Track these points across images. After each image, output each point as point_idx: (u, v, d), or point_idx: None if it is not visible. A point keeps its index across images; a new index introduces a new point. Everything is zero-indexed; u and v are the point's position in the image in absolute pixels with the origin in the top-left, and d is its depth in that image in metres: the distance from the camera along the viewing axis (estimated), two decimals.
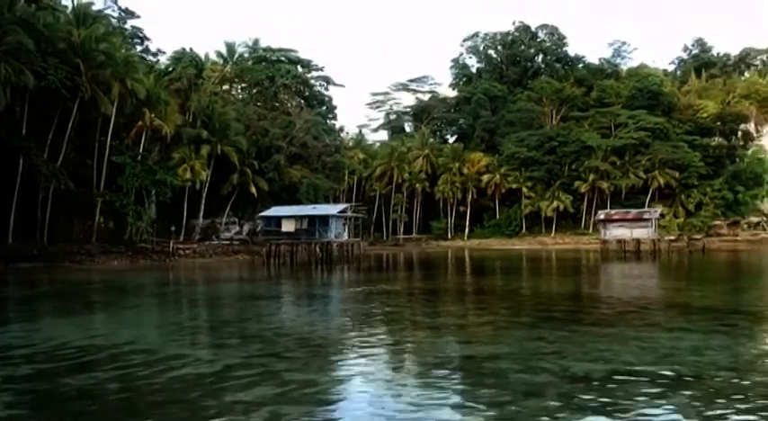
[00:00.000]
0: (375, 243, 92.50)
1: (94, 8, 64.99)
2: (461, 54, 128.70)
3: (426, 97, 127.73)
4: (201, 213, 71.23)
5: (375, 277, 42.63)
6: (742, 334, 16.95)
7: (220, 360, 14.12)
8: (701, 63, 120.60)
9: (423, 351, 15.38)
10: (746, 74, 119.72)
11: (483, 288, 34.01)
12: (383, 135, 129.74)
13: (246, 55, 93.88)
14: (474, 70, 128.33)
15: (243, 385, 11.74)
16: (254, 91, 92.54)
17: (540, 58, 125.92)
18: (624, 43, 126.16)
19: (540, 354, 13.97)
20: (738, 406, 10.05)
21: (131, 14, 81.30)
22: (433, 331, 18.36)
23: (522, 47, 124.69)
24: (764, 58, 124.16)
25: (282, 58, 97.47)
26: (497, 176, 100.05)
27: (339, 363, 14.31)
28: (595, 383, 11.58)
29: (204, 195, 69.87)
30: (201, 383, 12.12)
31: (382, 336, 17.80)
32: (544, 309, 23.45)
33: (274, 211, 63.61)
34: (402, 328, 19.19)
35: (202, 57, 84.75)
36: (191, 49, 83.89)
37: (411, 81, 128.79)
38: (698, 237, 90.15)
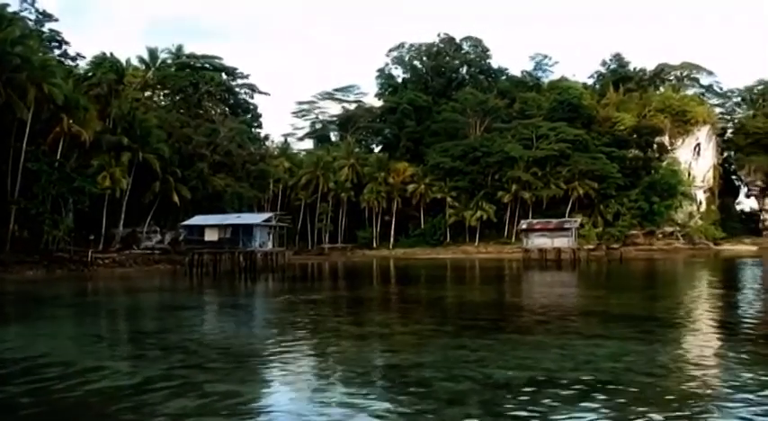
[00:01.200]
0: (300, 252, 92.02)
1: (10, 10, 62.87)
2: (387, 64, 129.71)
3: (352, 107, 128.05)
4: (122, 222, 69.53)
5: (300, 286, 42.39)
6: (657, 340, 17.44)
7: (140, 372, 13.80)
8: (618, 77, 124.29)
9: (347, 360, 15.35)
10: (661, 88, 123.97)
11: (408, 297, 34.19)
12: (309, 144, 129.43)
13: (169, 61, 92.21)
14: (400, 80, 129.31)
15: (163, 397, 11.50)
16: (178, 98, 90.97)
17: (464, 69, 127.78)
18: (546, 57, 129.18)
19: (464, 363, 14.11)
20: (654, 410, 10.34)
21: (49, 17, 78.76)
22: (357, 340, 18.36)
23: (447, 58, 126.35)
24: (678, 73, 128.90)
25: (207, 65, 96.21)
26: (422, 186, 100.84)
27: (262, 374, 14.17)
28: (517, 390, 11.76)
29: (125, 203, 68.21)
30: (120, 396, 11.82)
31: (306, 346, 17.70)
32: (468, 317, 23.72)
33: (197, 220, 62.61)
34: (326, 338, 19.11)
35: (123, 62, 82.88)
36: (111, 53, 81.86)
37: (337, 90, 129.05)
38: (615, 246, 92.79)
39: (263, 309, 29.34)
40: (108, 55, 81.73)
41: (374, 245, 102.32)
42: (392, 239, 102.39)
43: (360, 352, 16.45)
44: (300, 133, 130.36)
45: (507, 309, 27.76)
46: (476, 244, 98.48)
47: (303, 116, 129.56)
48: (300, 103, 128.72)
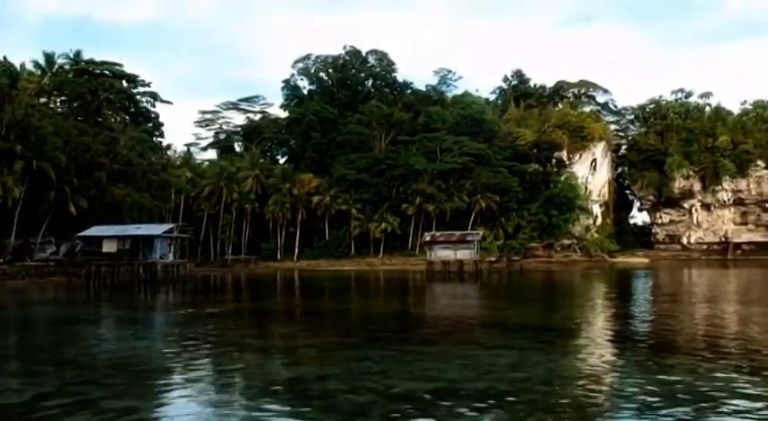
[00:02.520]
0: (202, 264, 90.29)
1: None
2: (293, 75, 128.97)
3: (257, 117, 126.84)
4: (14, 232, 66.60)
5: (202, 299, 41.61)
6: (555, 350, 17.92)
7: (31, 389, 13.22)
8: (519, 93, 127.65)
9: (249, 374, 15.15)
10: (560, 105, 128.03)
11: (312, 309, 34.00)
12: (212, 154, 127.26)
13: (67, 67, 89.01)
14: (305, 92, 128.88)
15: (55, 415, 11.07)
16: (75, 105, 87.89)
17: (370, 82, 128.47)
18: (450, 72, 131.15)
19: (367, 374, 14.13)
20: (550, 418, 10.60)
21: None
22: (260, 353, 18.14)
23: (353, 71, 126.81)
24: (576, 91, 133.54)
25: (106, 72, 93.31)
26: (327, 198, 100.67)
27: (161, 389, 13.81)
28: (419, 401, 11.85)
29: (17, 213, 65.39)
30: (9, 416, 11.30)
31: (207, 360, 17.37)
32: (371, 329, 23.79)
33: (95, 231, 60.68)
34: (228, 351, 18.77)
35: (17, 66, 79.67)
36: (4, 57, 78.58)
37: (242, 100, 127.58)
38: (516, 258, 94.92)
39: (162, 323, 28.64)
40: (0, 59, 78.48)
41: (278, 256, 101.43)
42: (297, 251, 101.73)
43: (262, 365, 16.26)
44: (204, 143, 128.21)
45: (411, 320, 27.97)
46: (380, 256, 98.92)
47: (206, 126, 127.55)
48: (204, 112, 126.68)
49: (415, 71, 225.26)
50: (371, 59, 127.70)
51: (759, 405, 11.12)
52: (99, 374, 14.99)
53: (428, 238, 76.75)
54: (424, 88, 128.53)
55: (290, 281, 64.42)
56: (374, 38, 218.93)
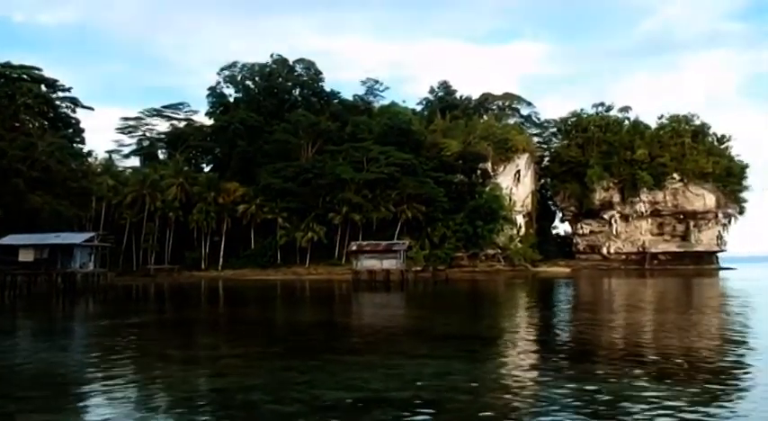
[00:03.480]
0: (124, 273, 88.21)
1: None
2: (219, 83, 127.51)
3: (182, 124, 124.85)
4: None
5: (123, 309, 40.67)
6: (479, 358, 18.18)
7: None
8: (445, 105, 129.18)
9: (172, 385, 14.90)
10: (485, 117, 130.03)
11: (236, 319, 33.63)
12: (135, 161, 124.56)
13: None
14: (231, 100, 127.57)
15: None
16: None
17: (297, 91, 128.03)
18: (377, 82, 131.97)
19: (292, 385, 14.09)
20: None
21: None
22: (183, 364, 17.88)
23: (280, 79, 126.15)
24: (500, 103, 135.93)
25: (24, 76, 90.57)
26: (253, 207, 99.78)
27: (81, 402, 13.47)
28: (344, 411, 11.88)
29: None
30: None
31: (129, 371, 17.01)
32: (297, 339, 23.69)
33: (10, 240, 58.74)
34: (150, 362, 18.41)
35: None
36: None
37: (166, 107, 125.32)
38: (442, 267, 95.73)
39: (82, 333, 27.90)
40: None
41: (203, 266, 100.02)
42: (221, 260, 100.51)
43: (186, 376, 16.02)
44: (126, 150, 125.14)
45: (336, 330, 27.95)
46: (306, 265, 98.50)
47: (129, 133, 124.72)
48: (126, 119, 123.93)
49: (342, 81, 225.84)
50: (299, 68, 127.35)
51: (673, 409, 11.52)
52: (15, 387, 14.54)
53: (354, 248, 76.89)
54: (351, 98, 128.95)
55: (214, 290, 63.57)
56: (302, 47, 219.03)
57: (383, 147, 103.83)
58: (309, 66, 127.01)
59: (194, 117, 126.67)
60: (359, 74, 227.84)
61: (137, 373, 16.82)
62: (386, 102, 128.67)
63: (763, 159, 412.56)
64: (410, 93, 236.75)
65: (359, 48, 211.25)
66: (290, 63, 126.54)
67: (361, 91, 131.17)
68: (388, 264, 72.57)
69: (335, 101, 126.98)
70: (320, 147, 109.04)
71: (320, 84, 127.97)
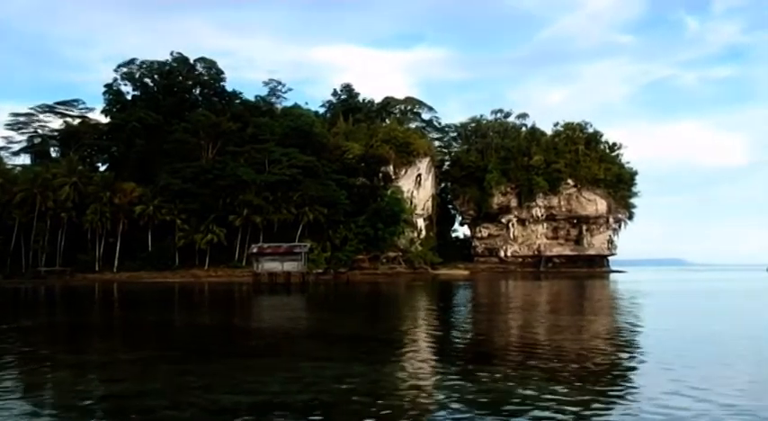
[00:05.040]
0: (12, 276, 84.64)
1: None
2: (116, 80, 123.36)
3: (76, 122, 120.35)
4: None
5: (10, 312, 39.00)
6: (379, 360, 18.26)
7: None
8: (348, 108, 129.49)
9: (62, 391, 14.37)
10: (387, 121, 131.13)
11: (132, 323, 32.74)
12: (25, 159, 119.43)
13: None
14: (129, 98, 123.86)
15: None
16: None
17: (197, 90, 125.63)
18: (280, 83, 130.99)
19: (189, 389, 13.84)
20: None
21: None
22: (75, 369, 17.25)
23: (180, 78, 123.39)
24: (402, 107, 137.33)
25: None
26: (151, 207, 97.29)
27: None
28: (242, 415, 11.75)
29: None
30: None
31: (15, 378, 16.27)
32: (194, 342, 23.27)
33: None
34: (39, 368, 17.63)
35: None
36: None
37: (59, 104, 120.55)
38: (343, 270, 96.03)
39: None
40: None
41: (97, 268, 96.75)
42: (117, 263, 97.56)
43: (77, 382, 15.45)
44: (16, 147, 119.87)
45: (235, 333, 27.59)
46: (206, 267, 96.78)
47: (19, 129, 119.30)
48: (16, 114, 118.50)
49: (244, 81, 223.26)
50: (200, 67, 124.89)
51: (567, 407, 11.89)
52: None
53: (255, 250, 76.24)
54: (253, 99, 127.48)
55: (109, 293, 61.67)
56: (203, 46, 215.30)
57: (285, 148, 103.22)
58: (211, 65, 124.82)
59: (90, 115, 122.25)
60: (261, 75, 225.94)
61: (24, 379, 16.11)
62: (288, 103, 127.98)
63: (651, 166, 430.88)
64: (313, 95, 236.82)
65: (262, 48, 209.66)
66: (191, 62, 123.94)
67: (263, 92, 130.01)
68: (289, 266, 72.32)
69: (237, 101, 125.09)
70: (221, 147, 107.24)
71: (222, 83, 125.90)
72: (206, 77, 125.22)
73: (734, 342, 21.53)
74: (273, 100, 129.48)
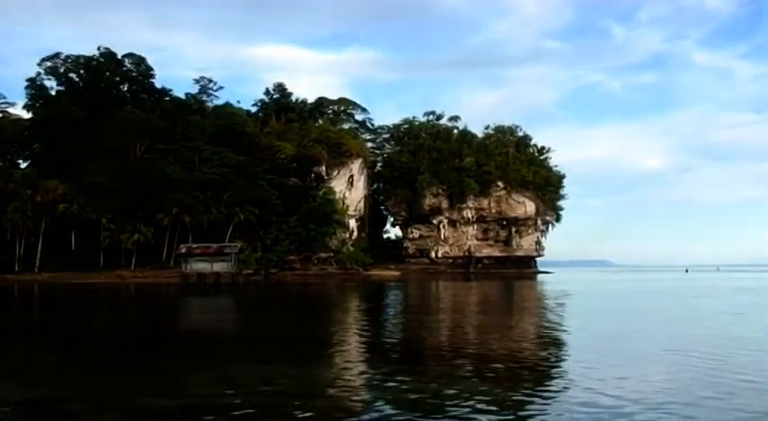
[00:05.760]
0: None
1: None
2: (39, 74, 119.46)
3: None
4: None
5: None
6: (309, 362, 18.01)
7: None
8: (281, 107, 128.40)
9: None
10: (320, 121, 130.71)
11: (54, 325, 31.61)
12: None
13: None
14: (53, 93, 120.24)
15: None
16: None
17: (125, 86, 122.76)
18: (211, 81, 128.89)
19: (113, 393, 13.31)
20: None
21: None
22: None
23: (107, 73, 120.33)
24: (335, 108, 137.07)
25: None
26: (75, 206, 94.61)
27: None
28: (168, 418, 11.37)
29: None
30: None
31: None
32: (119, 345, 22.57)
33: None
34: None
35: None
36: None
37: None
38: (274, 271, 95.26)
39: None
40: None
41: (17, 268, 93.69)
42: (38, 263, 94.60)
43: None
44: None
45: (162, 335, 26.89)
46: (132, 268, 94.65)
47: None
48: None
49: (174, 78, 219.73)
50: (128, 63, 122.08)
51: (496, 406, 11.86)
52: None
53: (184, 250, 74.97)
54: (183, 96, 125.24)
55: (29, 295, 59.72)
56: (131, 41, 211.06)
57: (216, 147, 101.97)
58: (139, 61, 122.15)
59: (10, 110, 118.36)
60: (192, 72, 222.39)
61: None
62: (220, 102, 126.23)
63: (578, 170, 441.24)
64: (245, 94, 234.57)
65: (192, 45, 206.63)
66: (119, 57, 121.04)
67: (194, 90, 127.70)
68: (219, 267, 71.40)
69: (167, 98, 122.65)
70: (150, 145, 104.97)
71: (151, 80, 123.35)
72: (134, 73, 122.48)
73: (653, 340, 21.98)
74: (204, 98, 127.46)
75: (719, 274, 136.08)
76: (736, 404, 11.75)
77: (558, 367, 17.14)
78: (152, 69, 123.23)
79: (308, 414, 11.49)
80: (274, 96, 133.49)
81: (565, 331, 25.64)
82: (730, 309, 37.11)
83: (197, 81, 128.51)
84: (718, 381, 13.88)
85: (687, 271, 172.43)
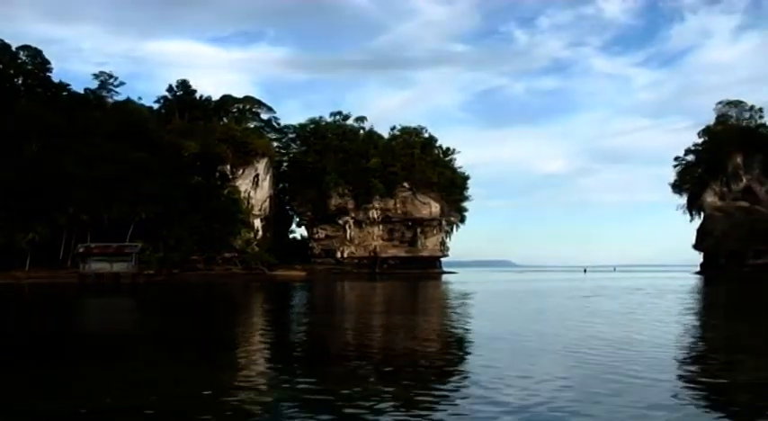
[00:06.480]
0: None
1: None
2: None
3: None
4: None
5: None
6: (214, 363, 17.90)
7: None
8: (184, 105, 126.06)
9: None
10: (225, 119, 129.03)
11: None
12: None
13: None
14: None
15: None
16: None
17: (20, 80, 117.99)
18: (111, 76, 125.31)
19: (7, 398, 12.96)
20: None
21: None
22: None
23: (1, 66, 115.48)
24: (240, 106, 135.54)
25: None
26: None
27: None
28: None
29: None
30: None
31: None
32: (13, 348, 21.84)
33: None
34: None
35: None
36: None
37: None
38: (177, 271, 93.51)
39: None
40: None
41: None
42: None
43: None
44: None
45: (60, 337, 26.08)
46: (26, 269, 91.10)
47: None
48: None
49: (73, 72, 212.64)
50: (23, 55, 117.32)
51: (396, 406, 12.13)
52: None
53: (82, 250, 72.83)
54: (82, 91, 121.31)
55: None
56: (27, 33, 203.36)
57: (117, 144, 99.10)
58: (35, 53, 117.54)
59: None
60: (91, 67, 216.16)
61: None
62: (121, 98, 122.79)
63: (483, 171, 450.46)
64: (147, 90, 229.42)
65: (92, 38, 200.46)
66: (13, 49, 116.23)
67: (93, 85, 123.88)
68: (119, 267, 69.73)
69: (65, 93, 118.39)
70: (46, 141, 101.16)
71: (47, 74, 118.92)
72: (30, 67, 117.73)
73: (551, 339, 22.74)
74: (104, 93, 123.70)
75: (616, 274, 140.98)
76: (628, 400, 12.34)
77: (460, 366, 17.53)
78: (49, 62, 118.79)
79: (209, 416, 11.48)
80: (178, 93, 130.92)
81: (467, 330, 26.21)
82: (622, 307, 38.73)
83: (97, 76, 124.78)
84: (611, 378, 14.51)
85: (585, 271, 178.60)
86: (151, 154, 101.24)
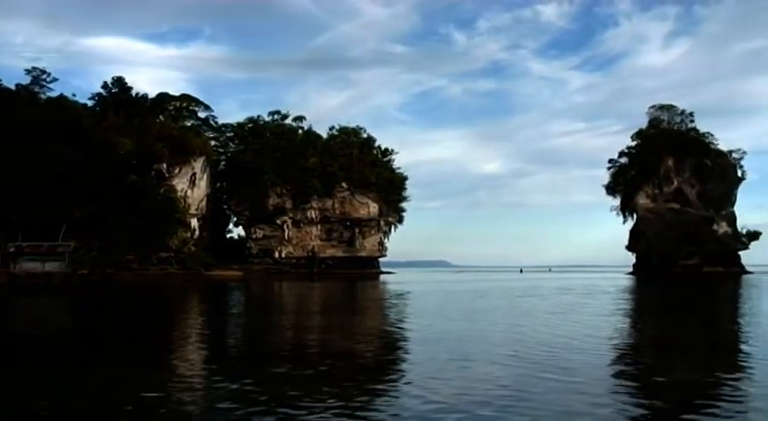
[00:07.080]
0: None
1: None
2: None
3: None
4: None
5: None
6: (148, 365, 17.85)
7: None
8: (120, 102, 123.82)
9: None
10: (161, 117, 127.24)
11: None
12: None
13: None
14: None
15: None
16: None
17: None
18: (44, 72, 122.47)
19: None
20: None
21: None
22: None
23: None
24: (177, 104, 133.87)
25: None
26: None
27: None
28: None
29: None
30: None
31: None
32: None
33: None
34: None
35: None
36: None
37: None
38: (111, 271, 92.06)
39: None
40: None
41: None
42: None
43: None
44: None
45: None
46: None
47: None
48: None
49: (2, 68, 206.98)
50: None
51: (335, 405, 12.52)
52: None
53: (13, 249, 71.26)
54: (13, 87, 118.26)
55: None
56: None
57: (50, 141, 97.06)
58: None
59: None
60: (23, 62, 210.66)
61: None
62: (54, 94, 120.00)
63: (421, 172, 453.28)
64: (81, 87, 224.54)
65: (24, 33, 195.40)
66: None
67: (25, 80, 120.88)
68: (51, 266, 68.53)
69: None
70: None
71: None
72: None
73: (485, 340, 23.35)
74: (37, 89, 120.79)
75: (551, 275, 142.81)
76: (560, 398, 12.85)
77: (396, 365, 17.89)
78: None
79: (148, 417, 11.64)
80: (113, 90, 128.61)
81: (403, 330, 26.63)
82: (554, 307, 39.67)
83: (28, 71, 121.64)
84: (544, 377, 14.97)
85: (521, 271, 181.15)
86: (85, 152, 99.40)
